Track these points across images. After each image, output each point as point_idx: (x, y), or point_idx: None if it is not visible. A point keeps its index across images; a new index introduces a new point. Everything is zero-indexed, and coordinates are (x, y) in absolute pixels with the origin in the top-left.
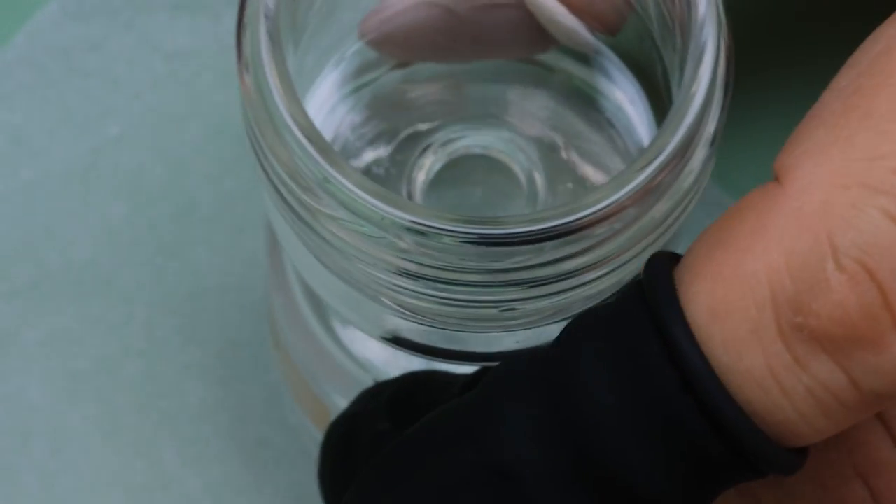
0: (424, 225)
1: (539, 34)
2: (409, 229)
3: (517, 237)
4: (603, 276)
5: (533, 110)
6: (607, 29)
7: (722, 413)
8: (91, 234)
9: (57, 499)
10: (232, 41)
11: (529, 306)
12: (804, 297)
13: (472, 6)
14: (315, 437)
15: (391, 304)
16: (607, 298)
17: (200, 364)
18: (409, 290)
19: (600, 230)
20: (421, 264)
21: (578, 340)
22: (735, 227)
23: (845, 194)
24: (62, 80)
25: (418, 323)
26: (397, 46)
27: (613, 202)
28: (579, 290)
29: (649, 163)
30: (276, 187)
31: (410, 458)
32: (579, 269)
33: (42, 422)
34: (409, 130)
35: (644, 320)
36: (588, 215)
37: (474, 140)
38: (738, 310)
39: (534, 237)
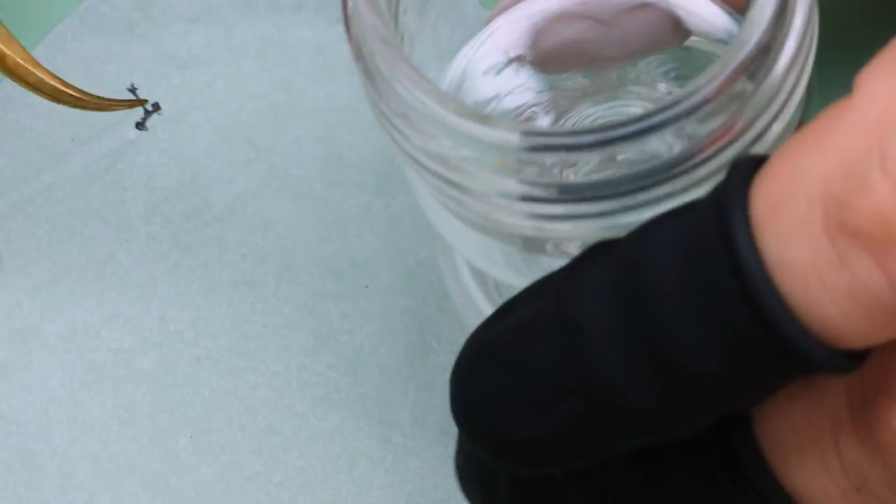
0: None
1: (678, 27)
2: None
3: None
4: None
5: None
6: (739, 6)
7: (760, 297)
8: (109, 233)
9: (75, 484)
10: (243, 52)
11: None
12: (850, 195)
13: (615, 12)
14: None
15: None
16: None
17: (212, 356)
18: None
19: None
20: (543, 185)
21: (655, 221)
22: (805, 132)
23: None
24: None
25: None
26: (553, 64)
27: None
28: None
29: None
30: (403, 149)
31: (506, 307)
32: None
33: (62, 411)
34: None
35: (712, 209)
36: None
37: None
38: (792, 205)
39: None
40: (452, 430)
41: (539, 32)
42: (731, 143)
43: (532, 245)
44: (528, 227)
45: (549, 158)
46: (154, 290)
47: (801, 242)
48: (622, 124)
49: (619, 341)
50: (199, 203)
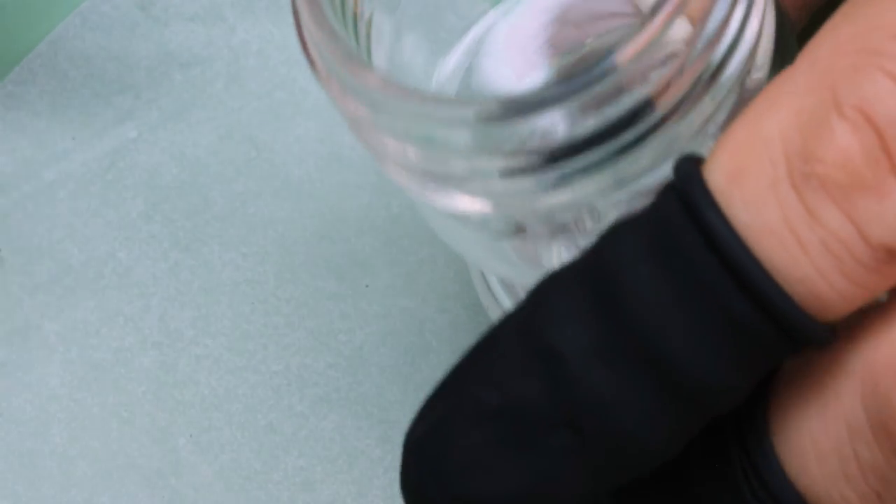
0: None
1: None
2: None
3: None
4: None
5: None
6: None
7: (742, 266)
8: (109, 231)
9: (75, 483)
10: (245, 51)
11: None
12: (811, 145)
13: (588, 17)
14: None
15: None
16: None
17: (212, 355)
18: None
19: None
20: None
21: (615, 228)
22: (753, 104)
23: (848, 58)
24: (83, 87)
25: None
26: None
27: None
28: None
29: None
30: (389, 160)
31: (467, 363)
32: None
33: (61, 409)
34: None
35: (669, 198)
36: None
37: None
38: (754, 168)
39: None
40: None
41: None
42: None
43: (553, 226)
44: (537, 205)
45: (527, 123)
46: (154, 288)
47: (769, 203)
48: (584, 70)
49: (601, 355)
50: (199, 202)
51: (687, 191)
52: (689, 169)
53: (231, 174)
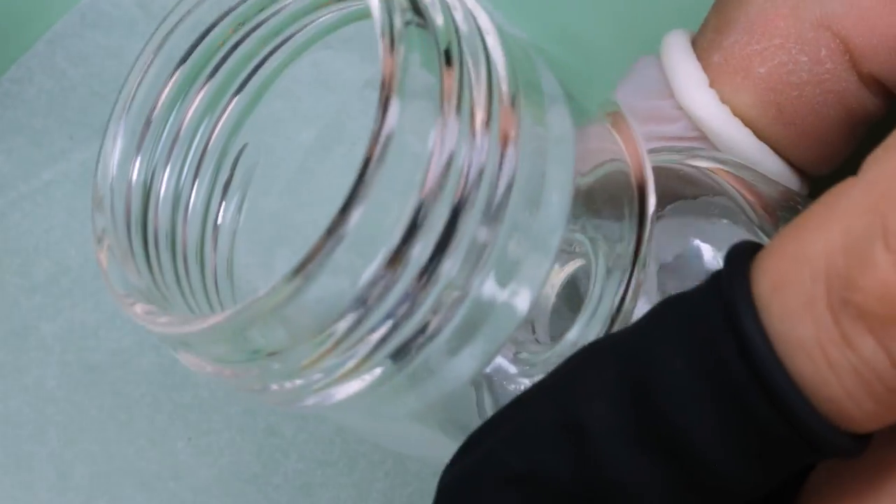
0: None
1: None
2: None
3: None
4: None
5: None
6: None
7: (769, 375)
8: None
9: (72, 487)
10: None
11: None
12: (854, 272)
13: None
14: None
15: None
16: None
17: None
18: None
19: None
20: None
21: (654, 313)
22: (807, 213)
23: None
24: (81, 86)
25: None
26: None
27: None
28: None
29: None
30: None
31: (501, 417)
32: None
33: (59, 412)
34: None
35: (714, 293)
36: None
37: None
38: (795, 282)
39: None
40: None
41: None
42: None
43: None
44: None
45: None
46: None
47: (805, 320)
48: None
49: (627, 438)
50: None
51: (730, 292)
52: (739, 266)
53: None
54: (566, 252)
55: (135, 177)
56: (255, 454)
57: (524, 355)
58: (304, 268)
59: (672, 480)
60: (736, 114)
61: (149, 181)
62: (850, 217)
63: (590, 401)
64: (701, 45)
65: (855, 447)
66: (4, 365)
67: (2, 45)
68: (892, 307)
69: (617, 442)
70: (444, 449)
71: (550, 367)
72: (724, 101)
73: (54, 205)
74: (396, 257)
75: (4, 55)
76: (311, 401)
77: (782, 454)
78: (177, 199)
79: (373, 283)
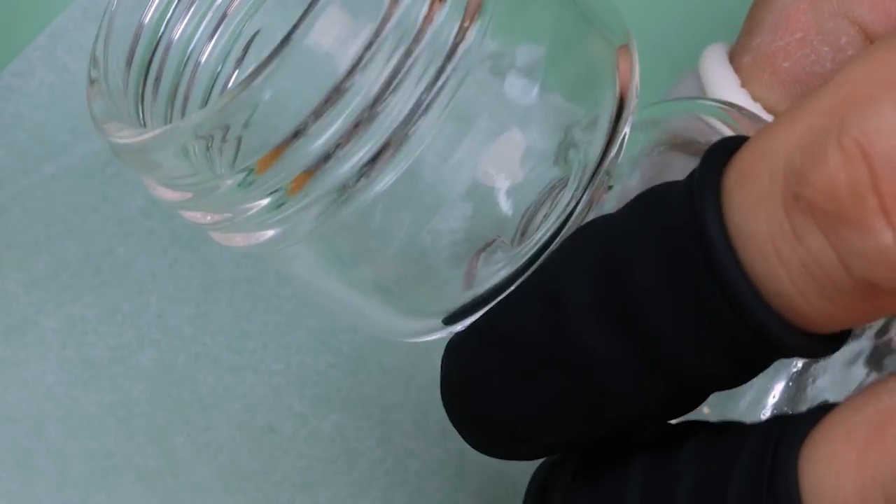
0: None
1: None
2: None
3: None
4: None
5: None
6: None
7: (723, 267)
8: (108, 227)
9: (71, 483)
10: None
11: None
12: (806, 168)
13: None
14: None
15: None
16: None
17: (211, 354)
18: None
19: None
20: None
21: (640, 197)
22: (786, 110)
23: (868, 87)
24: (82, 80)
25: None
26: None
27: None
28: None
29: None
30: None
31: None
32: None
33: (58, 408)
34: None
35: (686, 186)
36: None
37: None
38: (756, 176)
39: None
40: (454, 433)
41: None
42: None
43: None
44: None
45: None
46: (153, 285)
47: (760, 213)
48: None
49: (598, 314)
50: None
51: (699, 181)
52: (716, 156)
53: None
54: (555, 164)
55: (147, 20)
56: (255, 451)
57: (498, 254)
58: (255, 76)
59: (637, 359)
60: (767, 110)
61: (161, 28)
62: (814, 116)
63: (571, 274)
64: (735, 50)
65: (813, 346)
66: (3, 360)
67: (3, 39)
68: (837, 203)
69: (587, 316)
70: (374, 311)
71: (518, 264)
72: (755, 99)
73: (55, 199)
74: (342, 85)
75: (6, 49)
76: (272, 233)
77: (739, 345)
78: (186, 53)
79: (318, 111)
